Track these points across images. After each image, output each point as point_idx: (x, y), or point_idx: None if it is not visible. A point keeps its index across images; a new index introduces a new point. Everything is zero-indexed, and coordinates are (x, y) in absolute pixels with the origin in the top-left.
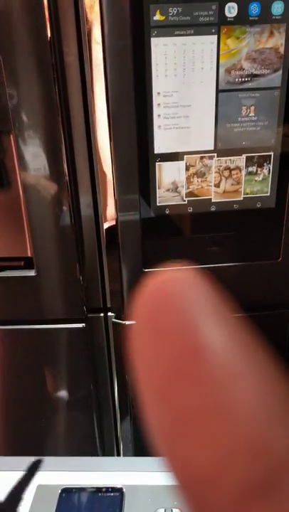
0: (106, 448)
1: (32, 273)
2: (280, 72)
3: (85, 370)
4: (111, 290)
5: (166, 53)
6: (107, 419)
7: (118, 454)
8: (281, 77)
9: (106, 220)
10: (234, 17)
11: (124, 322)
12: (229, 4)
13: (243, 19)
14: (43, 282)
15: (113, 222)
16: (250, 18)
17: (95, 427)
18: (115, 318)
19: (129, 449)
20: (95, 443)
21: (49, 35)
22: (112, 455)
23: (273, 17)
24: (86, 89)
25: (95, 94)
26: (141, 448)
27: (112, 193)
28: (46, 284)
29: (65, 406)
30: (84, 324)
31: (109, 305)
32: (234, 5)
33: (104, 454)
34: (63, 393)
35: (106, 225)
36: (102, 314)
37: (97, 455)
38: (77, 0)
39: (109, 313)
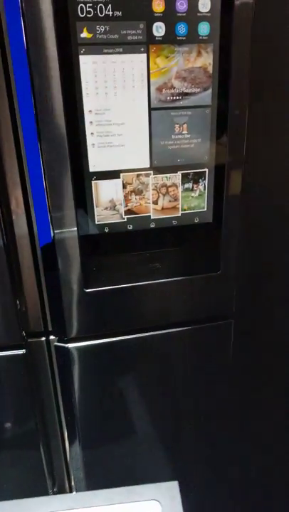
0: (57, 481)
1: None
2: (210, 90)
3: (29, 399)
4: (51, 312)
5: (96, 71)
6: (55, 450)
7: (70, 487)
8: (211, 95)
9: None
10: (162, 36)
11: (66, 345)
12: (156, 24)
13: (171, 39)
14: None
15: (49, 240)
16: (178, 38)
17: (43, 459)
18: (58, 341)
19: (81, 479)
20: (44, 477)
21: None
22: (64, 489)
23: (200, 37)
24: (14, 105)
25: (20, 113)
26: (93, 476)
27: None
28: None
29: (8, 440)
30: (24, 350)
31: (50, 328)
32: (161, 24)
33: (54, 489)
34: (6, 426)
35: (42, 244)
36: (43, 338)
37: (47, 491)
38: None
39: (51, 337)
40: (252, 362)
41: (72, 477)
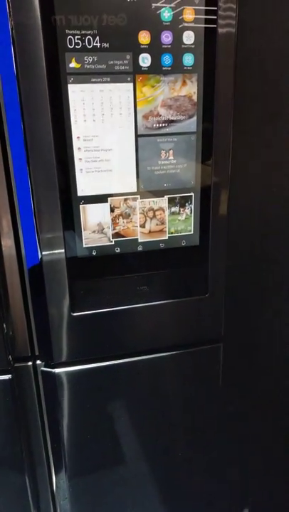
0: (41, 510)
1: None
2: (195, 118)
3: (15, 425)
4: (38, 336)
5: (84, 99)
6: (41, 479)
7: None
8: (196, 122)
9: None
10: (148, 67)
11: (53, 370)
12: (142, 55)
13: (156, 69)
14: None
15: (36, 262)
16: (164, 68)
17: (28, 489)
18: (44, 366)
19: (67, 510)
20: (29, 507)
21: None
22: None
23: (185, 67)
24: (3, 130)
25: (9, 138)
26: (80, 507)
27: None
28: None
29: None
30: (10, 375)
31: (37, 352)
32: (147, 55)
33: None
34: None
35: (29, 265)
36: (30, 363)
37: None
38: None
39: (38, 362)
40: (242, 385)
41: (59, 508)
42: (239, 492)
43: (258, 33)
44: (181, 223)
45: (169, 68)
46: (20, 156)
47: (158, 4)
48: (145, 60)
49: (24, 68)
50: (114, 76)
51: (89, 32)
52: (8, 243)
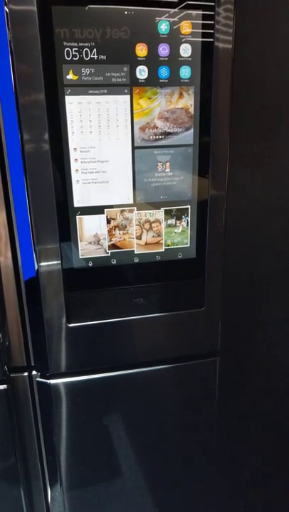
0: None
1: None
2: (192, 130)
3: (10, 436)
4: (34, 347)
5: (81, 111)
6: (36, 491)
7: None
8: (193, 135)
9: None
10: (145, 79)
11: (48, 381)
12: (140, 67)
13: (153, 81)
14: None
15: (33, 274)
16: (160, 81)
17: (23, 501)
18: (40, 377)
19: None
20: None
21: None
22: None
23: (182, 80)
24: (1, 141)
25: (7, 149)
26: None
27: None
28: None
29: None
30: (5, 385)
31: (33, 363)
32: (144, 68)
33: None
34: None
35: (26, 277)
36: (25, 373)
37: None
38: None
39: (34, 372)
40: (239, 399)
41: None
42: (239, 503)
43: (255, 46)
44: (177, 236)
45: (166, 80)
46: (18, 166)
47: (156, 17)
48: (142, 72)
49: (22, 80)
50: (112, 88)
51: (86, 44)
52: (6, 254)
